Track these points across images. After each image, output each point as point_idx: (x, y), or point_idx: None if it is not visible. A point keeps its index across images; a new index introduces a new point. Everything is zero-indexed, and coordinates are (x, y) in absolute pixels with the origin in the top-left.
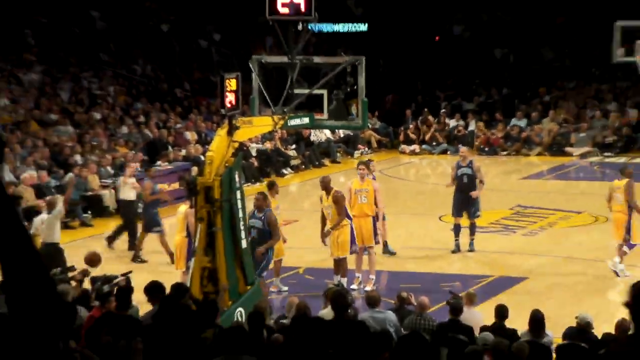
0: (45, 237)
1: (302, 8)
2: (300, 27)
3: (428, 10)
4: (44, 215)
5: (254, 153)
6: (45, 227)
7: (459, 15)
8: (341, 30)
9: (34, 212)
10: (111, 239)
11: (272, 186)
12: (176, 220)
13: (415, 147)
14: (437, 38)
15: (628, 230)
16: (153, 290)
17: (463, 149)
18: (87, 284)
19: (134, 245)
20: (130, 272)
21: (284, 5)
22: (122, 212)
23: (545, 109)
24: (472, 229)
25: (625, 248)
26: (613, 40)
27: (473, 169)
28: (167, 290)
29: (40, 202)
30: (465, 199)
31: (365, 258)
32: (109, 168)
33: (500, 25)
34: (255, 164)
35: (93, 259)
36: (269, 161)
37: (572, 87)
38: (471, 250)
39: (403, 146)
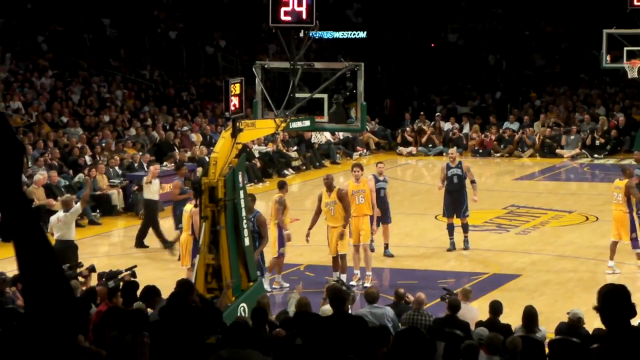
0: (61, 234)
1: (304, 16)
2: (301, 34)
3: (424, 19)
4: (60, 214)
5: (256, 154)
6: (62, 224)
7: (454, 25)
8: (341, 37)
9: (44, 210)
10: (140, 239)
11: (282, 186)
12: (183, 219)
13: (412, 149)
14: (432, 45)
15: (633, 230)
16: (148, 294)
17: (452, 150)
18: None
19: (142, 242)
20: (135, 266)
21: (286, 13)
22: (145, 211)
23: (537, 113)
24: (465, 227)
25: (635, 249)
26: (602, 48)
27: (463, 170)
28: (161, 291)
29: (51, 201)
30: (455, 200)
31: (362, 256)
32: (117, 168)
33: (493, 33)
34: (258, 164)
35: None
36: (271, 162)
37: (562, 92)
38: (466, 248)
39: (400, 148)
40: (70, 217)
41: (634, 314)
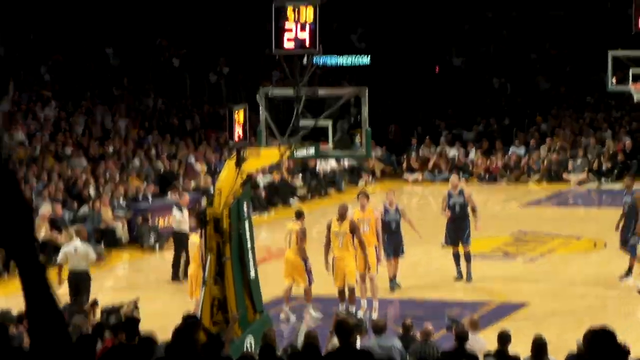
0: (76, 265)
1: (307, 43)
2: (305, 60)
3: (428, 43)
4: (77, 244)
5: (261, 184)
6: (79, 256)
7: (458, 48)
8: (345, 64)
9: (51, 246)
10: (175, 272)
11: (300, 215)
12: (190, 250)
13: (418, 175)
14: (437, 69)
15: None
16: (143, 345)
17: (453, 178)
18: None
19: (177, 275)
20: (137, 298)
21: (289, 40)
22: (175, 244)
23: (543, 137)
24: (468, 257)
25: None
26: (607, 70)
27: (464, 198)
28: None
29: (56, 236)
30: (457, 227)
31: (369, 286)
32: (121, 200)
33: (498, 56)
34: (263, 194)
35: None
36: (276, 192)
37: (568, 116)
38: (469, 279)
39: (406, 174)
40: (87, 256)
41: (624, 354)
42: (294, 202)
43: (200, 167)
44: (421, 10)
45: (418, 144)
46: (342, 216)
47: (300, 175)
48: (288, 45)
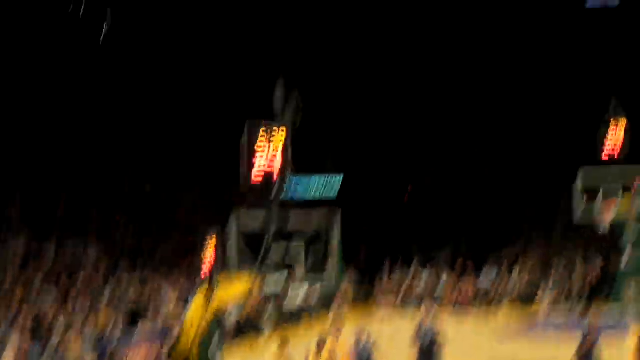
0: None
1: (274, 177)
2: (272, 196)
3: (399, 164)
4: None
5: (232, 315)
6: None
7: (430, 170)
8: (314, 196)
9: None
10: None
11: (285, 343)
12: None
13: (391, 299)
14: (409, 190)
15: None
16: None
17: (424, 307)
18: None
19: None
20: None
21: (257, 176)
22: None
23: (514, 261)
24: None
25: None
26: (573, 201)
27: (434, 329)
28: None
29: None
30: (427, 359)
31: None
32: (91, 333)
33: (468, 179)
34: (233, 326)
35: None
36: (247, 323)
37: (538, 237)
38: None
39: (379, 298)
40: None
41: None
42: (266, 332)
43: (171, 298)
44: (393, 132)
45: (390, 267)
46: (319, 349)
47: (272, 303)
48: (256, 179)
